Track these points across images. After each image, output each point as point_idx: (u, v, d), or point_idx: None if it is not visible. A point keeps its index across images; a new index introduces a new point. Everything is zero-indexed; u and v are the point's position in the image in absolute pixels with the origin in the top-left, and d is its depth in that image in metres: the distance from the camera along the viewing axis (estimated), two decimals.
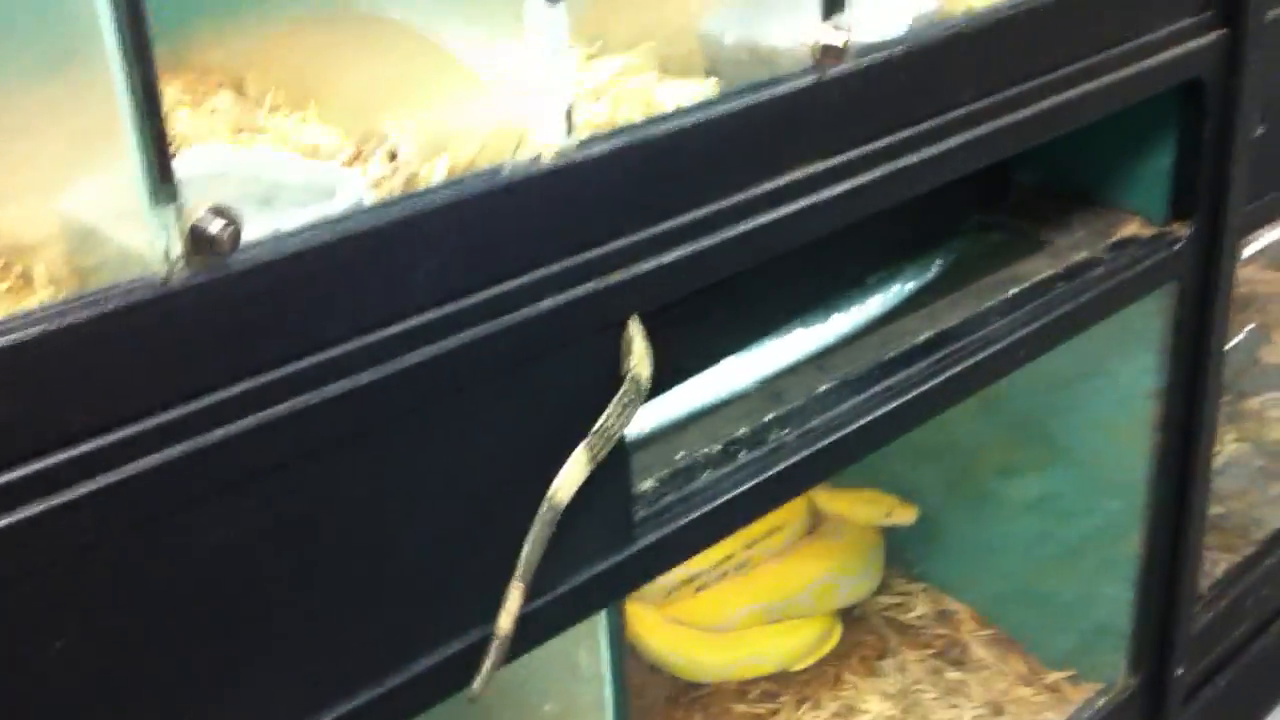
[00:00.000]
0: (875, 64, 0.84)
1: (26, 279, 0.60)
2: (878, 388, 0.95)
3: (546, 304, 0.70)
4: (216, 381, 0.59)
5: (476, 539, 0.72)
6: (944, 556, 1.47)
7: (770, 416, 0.92)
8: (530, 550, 0.72)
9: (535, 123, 0.68)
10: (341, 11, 0.72)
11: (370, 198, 0.65)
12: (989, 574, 1.44)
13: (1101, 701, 1.35)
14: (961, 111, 0.91)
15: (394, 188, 0.67)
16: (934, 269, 1.10)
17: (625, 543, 0.80)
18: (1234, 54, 1.10)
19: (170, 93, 0.77)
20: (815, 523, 1.42)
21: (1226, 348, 1.25)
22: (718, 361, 0.97)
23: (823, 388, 0.95)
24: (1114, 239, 1.15)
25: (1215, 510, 1.42)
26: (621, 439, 0.75)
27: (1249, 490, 1.60)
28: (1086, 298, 1.08)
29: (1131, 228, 1.16)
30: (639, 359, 0.74)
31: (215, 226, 0.56)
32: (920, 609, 1.47)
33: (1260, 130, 1.16)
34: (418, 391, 0.66)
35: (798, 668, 1.36)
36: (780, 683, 1.36)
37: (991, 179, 1.19)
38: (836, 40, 0.79)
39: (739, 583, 1.34)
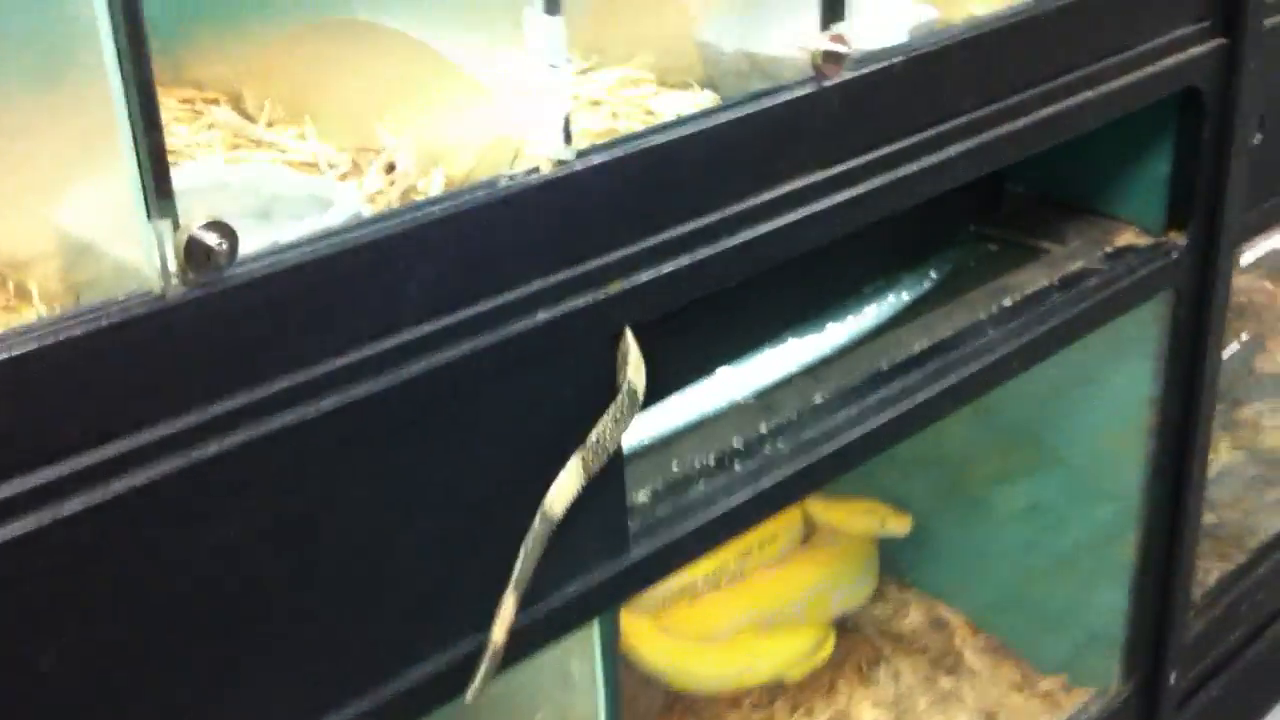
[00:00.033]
0: (874, 73, 0.83)
1: (22, 294, 0.60)
2: (872, 398, 0.95)
3: (542, 316, 0.70)
4: (213, 395, 0.59)
5: (471, 550, 0.71)
6: (937, 564, 1.47)
7: (764, 427, 0.91)
8: (524, 561, 0.71)
9: (533, 133, 0.68)
10: (340, 21, 0.72)
11: (367, 211, 0.65)
12: (982, 582, 1.44)
13: (1095, 708, 1.35)
14: (960, 120, 0.91)
15: (392, 200, 0.67)
16: (929, 279, 1.10)
17: (620, 553, 0.79)
18: (1232, 62, 1.10)
19: (168, 107, 0.76)
20: (809, 532, 1.42)
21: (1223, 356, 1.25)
22: (712, 372, 0.97)
23: (817, 398, 0.94)
24: (1110, 248, 1.15)
25: (1209, 518, 1.42)
26: (616, 450, 0.75)
27: (1243, 498, 1.60)
28: (1082, 307, 1.08)
29: (1127, 237, 1.16)
30: (634, 370, 0.74)
31: (211, 240, 0.56)
32: (914, 617, 1.46)
33: (1257, 138, 1.16)
34: (413, 404, 0.66)
35: (792, 677, 1.35)
36: (774, 692, 1.36)
37: (985, 189, 1.19)
38: (835, 49, 0.79)
39: (732, 593, 1.34)
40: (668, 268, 0.75)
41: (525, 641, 0.75)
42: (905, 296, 1.08)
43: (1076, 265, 1.13)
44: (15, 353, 0.52)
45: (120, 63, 0.53)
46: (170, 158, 0.55)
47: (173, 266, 0.56)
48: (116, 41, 0.52)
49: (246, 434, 0.60)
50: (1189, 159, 1.13)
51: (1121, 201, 1.18)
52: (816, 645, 1.36)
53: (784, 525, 1.37)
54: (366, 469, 0.65)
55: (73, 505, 0.55)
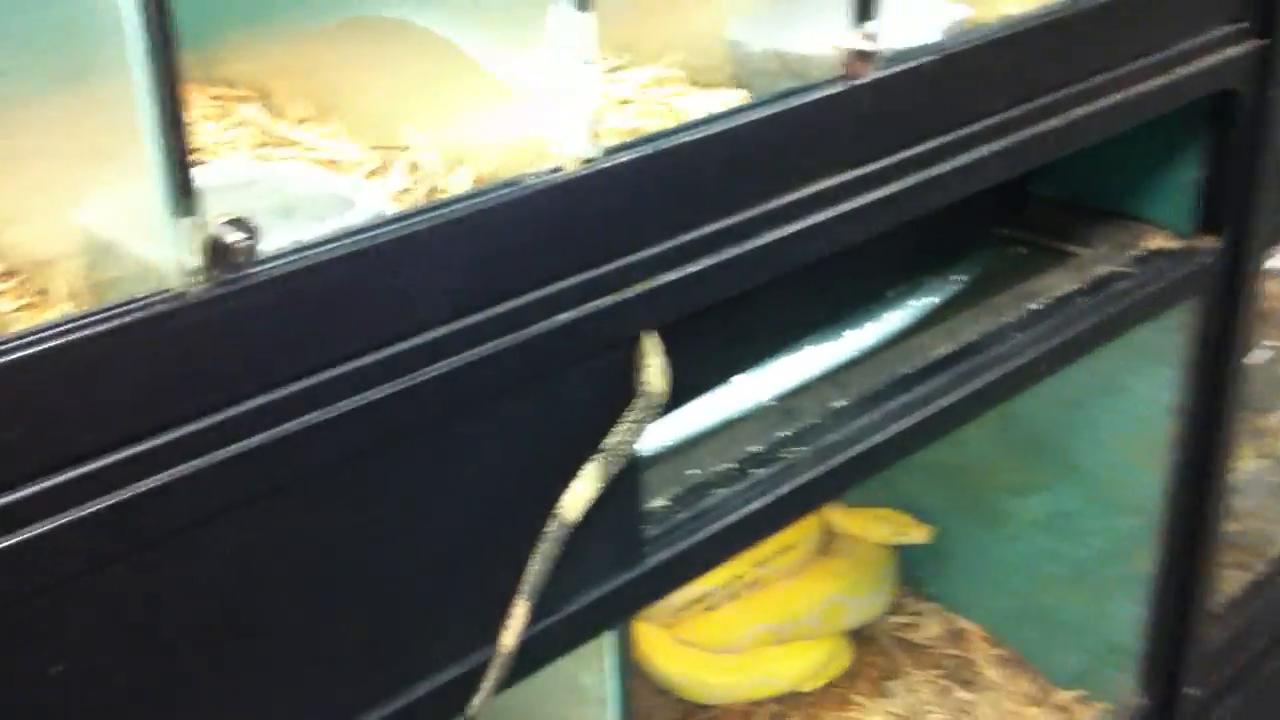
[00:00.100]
0: (904, 72, 0.83)
1: (45, 293, 0.59)
2: (893, 404, 0.94)
3: (564, 317, 0.69)
4: (234, 395, 0.58)
5: (485, 555, 0.70)
6: (955, 575, 1.46)
7: (784, 433, 0.90)
8: (537, 567, 0.70)
9: (558, 132, 0.67)
10: (369, 20, 0.71)
11: (391, 210, 0.64)
12: (1000, 593, 1.44)
13: None
14: (991, 121, 0.90)
15: (417, 199, 0.66)
16: (955, 283, 1.09)
17: (634, 561, 0.78)
18: (1269, 64, 1.08)
19: (197, 104, 0.76)
20: (827, 541, 1.41)
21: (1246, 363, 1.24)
22: (732, 377, 0.96)
23: (838, 404, 0.93)
24: (1139, 252, 1.14)
25: (1231, 527, 1.41)
26: (633, 455, 0.74)
27: (1267, 507, 1.60)
28: (1110, 312, 1.07)
29: (1157, 241, 1.15)
30: (654, 374, 0.73)
31: (233, 238, 0.55)
32: (930, 629, 1.46)
33: None
34: (434, 405, 0.65)
35: (807, 689, 1.34)
36: (788, 703, 1.35)
37: (1012, 191, 1.18)
38: (866, 47, 0.78)
39: (748, 603, 1.33)
40: (692, 269, 0.74)
41: (536, 652, 0.74)
42: (931, 300, 1.07)
43: (1105, 269, 1.12)
44: (38, 349, 0.52)
45: (147, 61, 0.52)
46: (197, 155, 0.55)
47: (195, 264, 0.55)
48: (144, 40, 0.52)
49: (266, 435, 0.59)
50: (1221, 162, 1.12)
51: (1151, 205, 1.17)
52: (832, 656, 1.36)
53: (802, 534, 1.36)
54: (384, 471, 0.64)
55: (93, 506, 0.54)
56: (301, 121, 0.74)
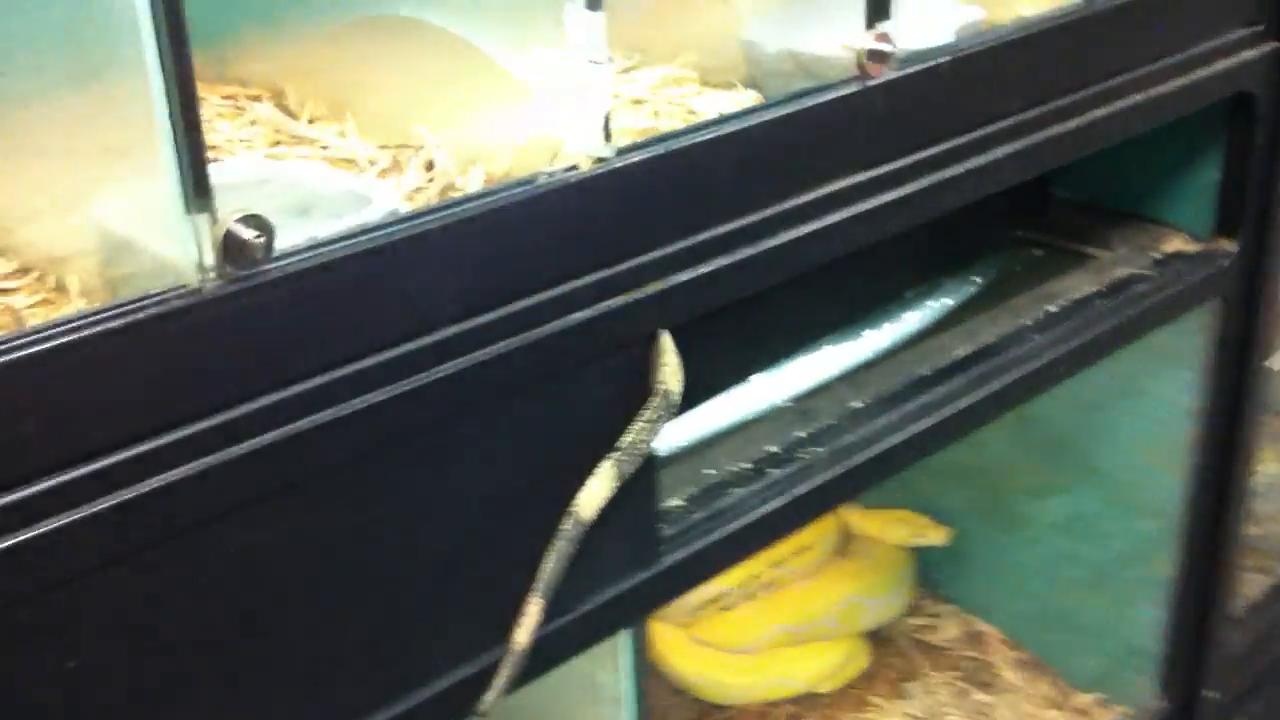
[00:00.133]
0: (919, 73, 0.82)
1: (61, 289, 0.59)
2: (911, 405, 0.94)
3: (579, 316, 0.69)
4: (247, 393, 0.58)
5: (499, 554, 0.70)
6: (973, 578, 1.46)
7: (801, 433, 0.90)
8: (552, 565, 0.70)
9: (572, 131, 0.67)
10: (383, 18, 0.71)
11: (405, 208, 0.64)
12: (1018, 595, 1.43)
13: None
14: (1007, 122, 0.90)
15: (430, 197, 0.66)
16: (973, 284, 1.09)
17: (650, 560, 0.78)
18: None
19: (211, 103, 0.77)
20: (845, 543, 1.40)
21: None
22: (749, 377, 0.96)
23: (855, 405, 0.93)
24: (1158, 254, 1.14)
25: (1252, 530, 1.40)
26: (649, 454, 0.74)
27: None
28: (1129, 314, 1.06)
29: (1176, 243, 1.15)
30: (670, 373, 0.73)
31: (248, 234, 0.56)
32: (949, 631, 1.45)
33: None
34: (447, 404, 0.65)
35: (824, 690, 1.34)
36: (805, 704, 1.35)
37: (1030, 193, 1.17)
38: (880, 48, 0.78)
39: (765, 603, 1.33)
40: (706, 269, 0.74)
41: (552, 651, 0.74)
42: (949, 301, 1.06)
43: (1124, 271, 1.11)
44: (52, 345, 0.52)
45: (161, 57, 0.52)
46: (211, 154, 0.55)
47: (210, 261, 0.55)
48: (157, 36, 0.52)
49: (280, 432, 0.59)
50: (1240, 165, 1.11)
51: (1169, 207, 1.17)
52: (850, 658, 1.35)
53: (819, 534, 1.36)
54: (397, 469, 0.65)
55: (105, 502, 0.54)
56: (315, 120, 0.75)
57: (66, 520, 0.53)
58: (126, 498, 0.55)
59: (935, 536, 1.37)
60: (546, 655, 0.73)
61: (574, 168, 0.67)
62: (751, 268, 0.76)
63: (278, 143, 0.73)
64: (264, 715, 0.64)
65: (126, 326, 0.54)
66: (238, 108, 0.77)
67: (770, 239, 0.77)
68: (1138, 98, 0.99)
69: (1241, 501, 1.28)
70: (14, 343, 0.52)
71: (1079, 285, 1.09)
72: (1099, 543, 1.33)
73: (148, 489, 0.55)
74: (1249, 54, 1.06)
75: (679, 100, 0.77)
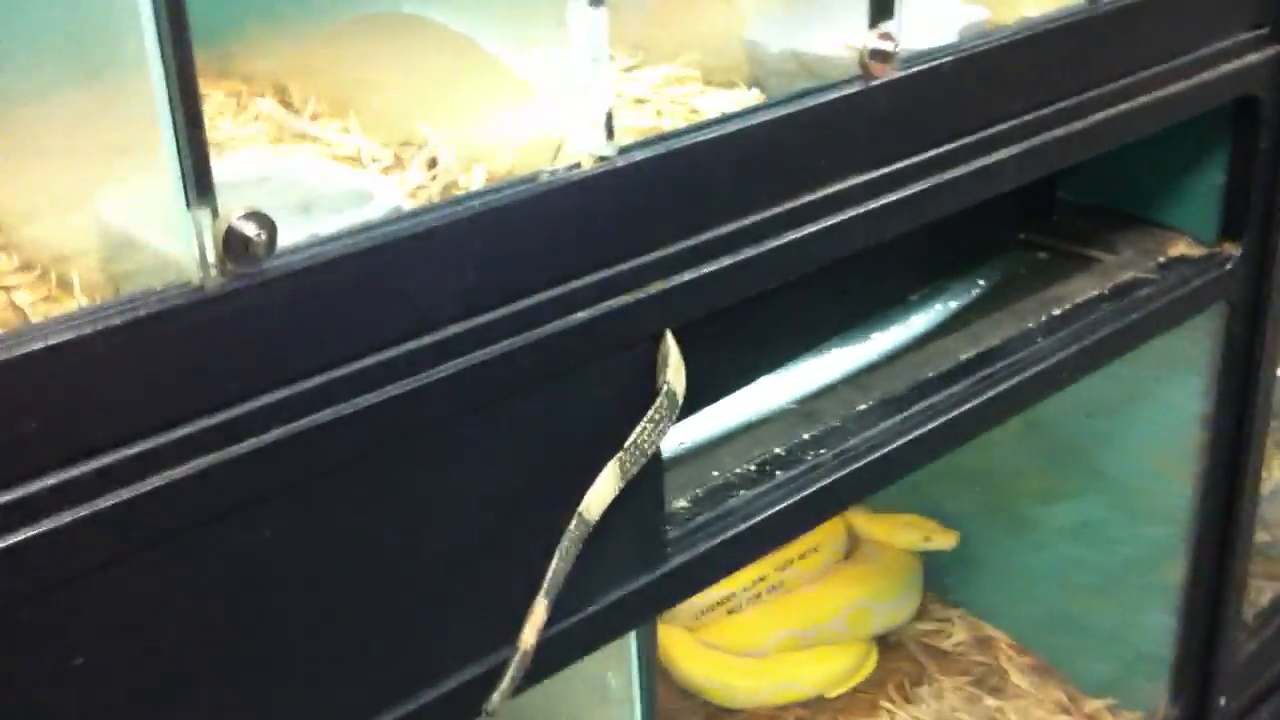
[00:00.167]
0: (923, 73, 0.82)
1: (64, 286, 0.60)
2: (917, 407, 0.93)
3: (581, 315, 0.69)
4: (249, 390, 0.58)
5: (503, 555, 0.70)
6: (982, 582, 1.45)
7: (807, 435, 0.90)
8: (558, 565, 0.70)
9: (574, 129, 0.67)
10: (386, 16, 0.72)
11: (407, 205, 0.64)
12: (1028, 600, 1.43)
13: None
14: (1011, 124, 0.89)
15: (432, 196, 0.66)
16: (977, 287, 1.08)
17: (657, 562, 0.78)
18: None
19: (213, 100, 0.77)
20: (853, 547, 1.40)
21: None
22: (754, 379, 0.96)
23: (860, 407, 0.93)
24: (1163, 258, 1.13)
25: (1261, 537, 1.40)
26: (655, 455, 0.74)
27: None
28: (1134, 318, 1.06)
29: (1180, 247, 1.15)
30: (674, 373, 0.72)
31: (250, 231, 0.55)
32: (958, 635, 1.45)
33: None
34: (449, 403, 0.65)
35: (833, 694, 1.34)
36: (814, 709, 1.34)
37: (1036, 196, 1.17)
38: (884, 47, 0.78)
39: (773, 607, 1.33)
40: (709, 268, 0.74)
41: (558, 652, 0.74)
42: (952, 304, 1.06)
43: (1128, 275, 1.11)
44: (53, 341, 0.52)
45: (163, 52, 0.52)
46: (213, 150, 0.55)
47: (211, 257, 0.55)
48: (159, 31, 0.52)
49: (280, 431, 0.59)
50: (1244, 168, 1.11)
51: (1174, 211, 1.17)
52: (859, 662, 1.35)
53: (826, 537, 1.36)
54: (399, 468, 0.64)
55: (107, 501, 0.54)
56: (318, 117, 0.75)
57: (68, 519, 0.53)
58: (127, 496, 0.55)
59: (943, 540, 1.37)
60: (554, 656, 0.73)
61: (576, 166, 0.67)
62: (754, 268, 0.76)
63: (280, 139, 0.73)
64: (266, 715, 0.64)
65: (128, 324, 0.53)
66: (241, 105, 0.77)
67: (773, 239, 0.77)
68: (1143, 100, 0.99)
69: (1253, 507, 1.27)
70: (15, 340, 0.52)
71: (1084, 289, 1.09)
72: (1108, 548, 1.33)
73: (149, 487, 0.55)
74: (1254, 57, 1.06)
75: (681, 99, 0.77)
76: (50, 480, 0.53)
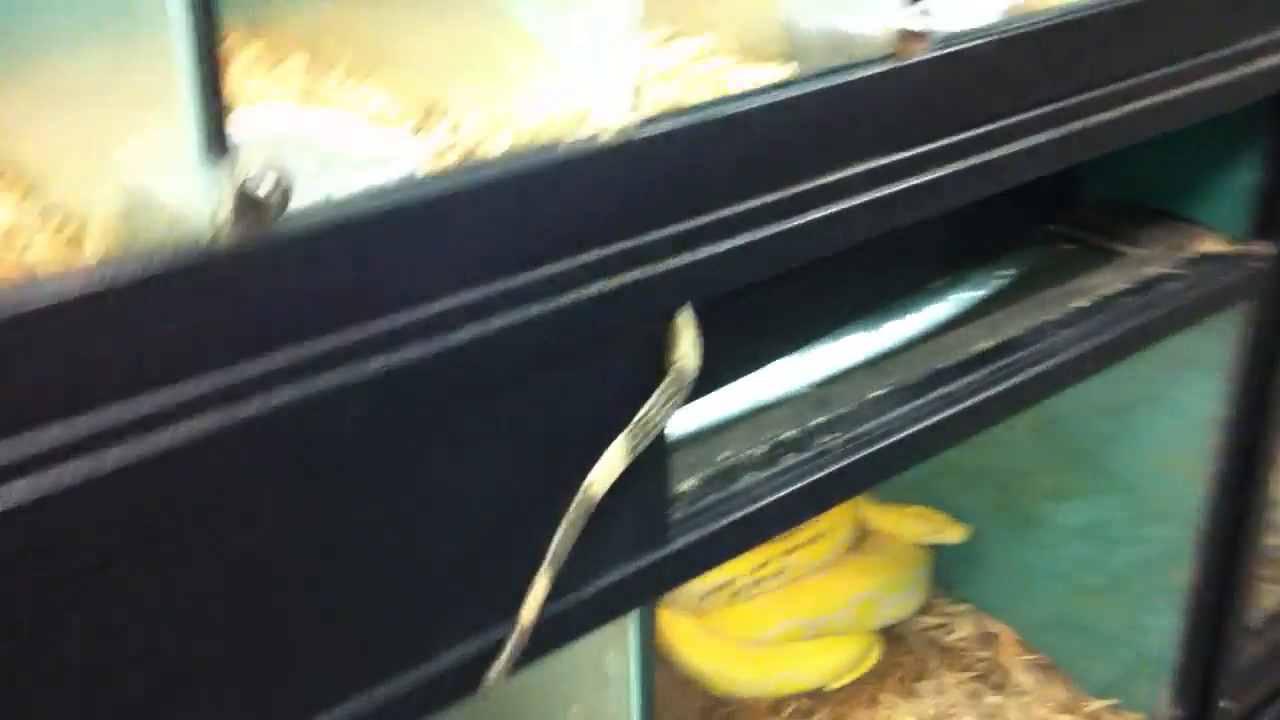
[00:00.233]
0: (957, 53, 0.81)
1: (76, 242, 0.58)
2: (931, 395, 0.93)
3: (596, 287, 0.67)
4: (257, 350, 0.57)
5: (507, 530, 0.69)
6: (988, 579, 1.45)
7: (818, 420, 0.89)
8: (561, 539, 0.69)
9: (600, 99, 0.66)
10: None
11: (426, 168, 0.63)
12: (1034, 598, 1.42)
13: None
14: (1045, 109, 0.88)
15: (454, 160, 0.65)
16: (1000, 277, 1.08)
17: (661, 542, 0.77)
18: None
19: (240, 61, 0.76)
20: (861, 538, 1.39)
21: None
22: (769, 363, 0.95)
23: (875, 393, 0.92)
24: (1190, 254, 1.12)
25: (1271, 542, 1.39)
26: (662, 433, 0.73)
27: None
28: (1157, 313, 1.05)
29: (1208, 244, 1.13)
30: (687, 350, 0.71)
31: (264, 189, 0.54)
32: (962, 631, 1.44)
33: None
34: (459, 372, 0.64)
35: (835, 686, 1.33)
36: (815, 700, 1.34)
37: (1063, 189, 1.16)
38: (918, 26, 0.76)
39: (778, 596, 1.32)
40: (729, 244, 0.72)
41: (559, 631, 0.73)
42: (975, 294, 1.05)
43: (1154, 270, 1.10)
44: (61, 298, 0.51)
45: (185, 3, 0.51)
46: (236, 108, 0.54)
47: (224, 216, 0.54)
48: None
49: (285, 395, 0.58)
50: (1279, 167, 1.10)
51: (1204, 207, 1.16)
52: (862, 654, 1.34)
53: (833, 524, 1.35)
54: (405, 437, 0.64)
55: (109, 460, 0.53)
56: (342, 79, 0.74)
57: (67, 480, 0.52)
58: (129, 459, 0.54)
59: (952, 534, 1.36)
60: (554, 635, 0.72)
61: (600, 136, 0.66)
62: (775, 245, 0.75)
63: (304, 100, 0.72)
64: (262, 688, 0.63)
65: (136, 281, 0.53)
66: (265, 64, 0.76)
67: (796, 217, 0.75)
68: (1178, 91, 0.97)
69: (1263, 512, 1.27)
70: (25, 294, 0.51)
71: (1108, 282, 1.08)
72: (1116, 548, 1.32)
73: (155, 450, 0.54)
74: None
75: (713, 74, 0.75)
76: (52, 437, 0.52)
